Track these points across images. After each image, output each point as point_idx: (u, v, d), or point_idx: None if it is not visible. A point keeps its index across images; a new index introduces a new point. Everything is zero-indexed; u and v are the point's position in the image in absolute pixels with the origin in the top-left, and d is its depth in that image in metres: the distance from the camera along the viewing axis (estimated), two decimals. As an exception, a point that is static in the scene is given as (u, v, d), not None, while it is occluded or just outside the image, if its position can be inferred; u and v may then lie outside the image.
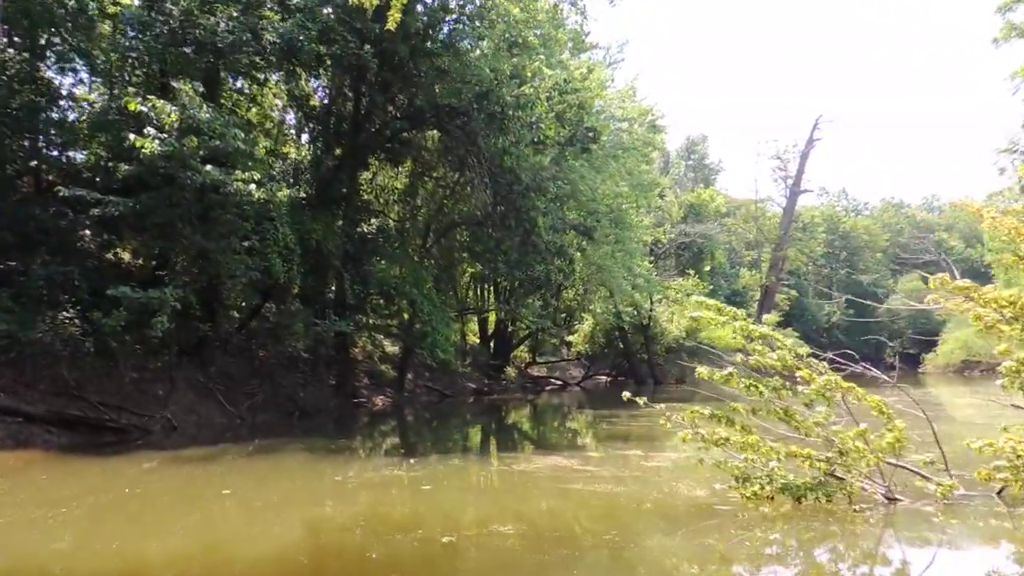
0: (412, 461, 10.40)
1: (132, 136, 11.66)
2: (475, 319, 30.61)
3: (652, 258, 36.69)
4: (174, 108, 12.14)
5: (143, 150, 11.51)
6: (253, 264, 13.20)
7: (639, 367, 35.88)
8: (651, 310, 34.25)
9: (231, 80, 17.24)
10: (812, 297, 64.36)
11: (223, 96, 16.55)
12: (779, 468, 6.42)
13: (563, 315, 33.27)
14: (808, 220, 61.25)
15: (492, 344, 29.54)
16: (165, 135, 11.97)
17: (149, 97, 12.41)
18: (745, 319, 7.13)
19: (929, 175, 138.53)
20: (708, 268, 46.82)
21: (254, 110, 18.46)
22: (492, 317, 29.79)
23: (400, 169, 21.85)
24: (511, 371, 29.11)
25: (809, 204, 65.38)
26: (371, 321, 20.35)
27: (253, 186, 12.02)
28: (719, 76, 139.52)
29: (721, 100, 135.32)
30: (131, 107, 11.95)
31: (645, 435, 13.10)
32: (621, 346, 36.19)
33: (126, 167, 12.08)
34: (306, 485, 9.07)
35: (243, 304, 16.69)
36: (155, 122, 12.10)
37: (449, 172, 20.30)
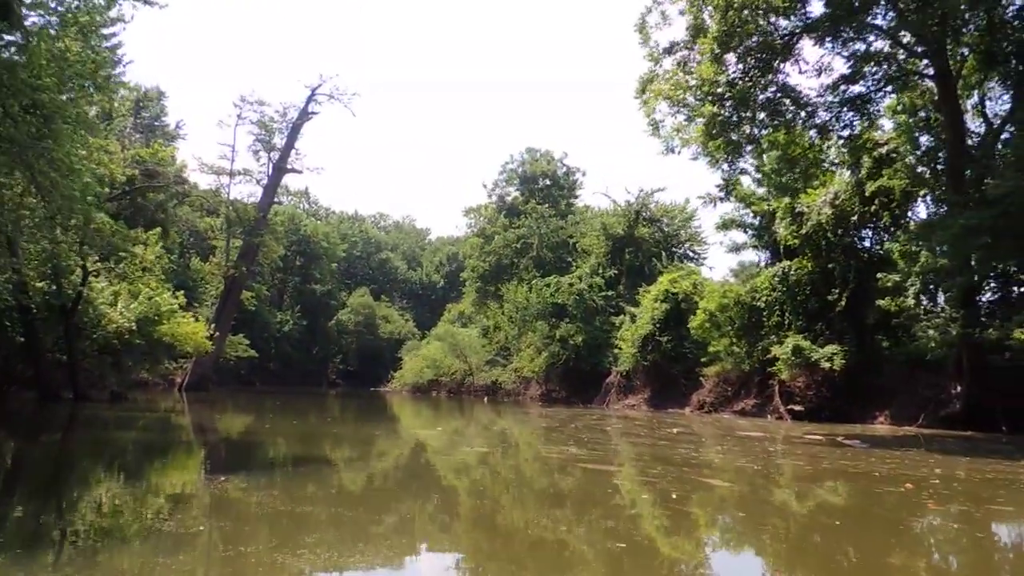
0: None
1: None
2: None
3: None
4: None
5: None
6: None
7: (50, 373, 23.08)
8: (83, 283, 22.40)
9: None
10: (265, 302, 57.95)
11: None
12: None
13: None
14: (271, 217, 54.96)
15: None
16: None
17: None
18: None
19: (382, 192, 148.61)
20: (162, 246, 35.90)
21: None
22: None
23: None
24: None
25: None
26: None
27: None
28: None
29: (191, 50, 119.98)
30: None
31: None
32: (23, 339, 22.90)
33: None
34: None
35: None
36: None
37: None
